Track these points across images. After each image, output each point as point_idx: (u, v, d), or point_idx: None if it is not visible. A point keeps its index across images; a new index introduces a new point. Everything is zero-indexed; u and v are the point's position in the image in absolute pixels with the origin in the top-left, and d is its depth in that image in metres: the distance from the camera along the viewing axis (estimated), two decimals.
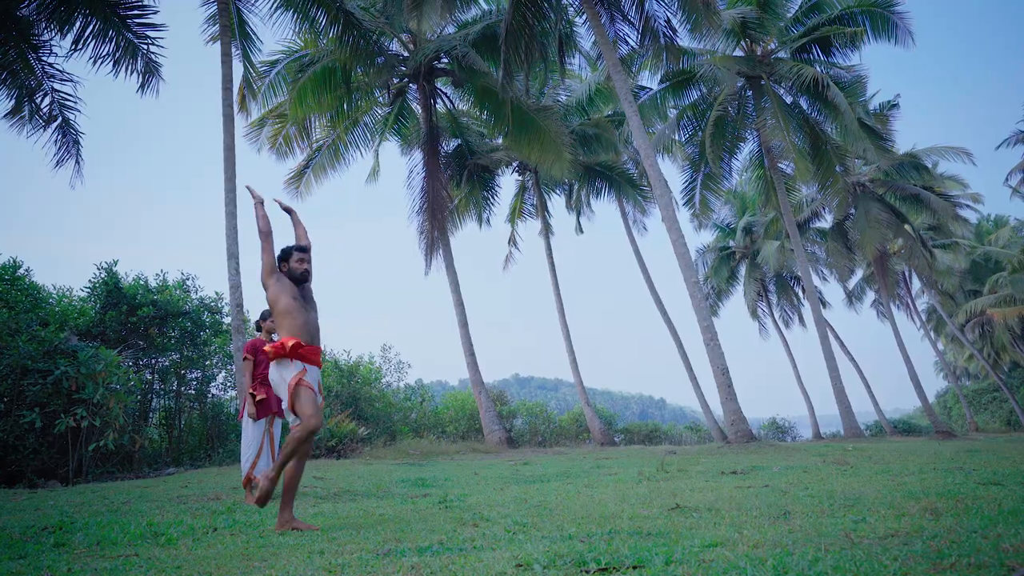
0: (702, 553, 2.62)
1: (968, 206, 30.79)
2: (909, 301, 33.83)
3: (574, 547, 2.95)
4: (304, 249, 4.83)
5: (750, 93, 19.97)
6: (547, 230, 22.94)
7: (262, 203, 4.81)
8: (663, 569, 2.39)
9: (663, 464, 8.56)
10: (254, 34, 15.21)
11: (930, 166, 26.65)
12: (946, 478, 5.48)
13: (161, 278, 14.25)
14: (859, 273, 33.14)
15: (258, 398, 6.41)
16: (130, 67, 13.56)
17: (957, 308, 35.38)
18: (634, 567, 2.45)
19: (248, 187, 5.11)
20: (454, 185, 21.11)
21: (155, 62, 13.74)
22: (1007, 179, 39.43)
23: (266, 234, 4.66)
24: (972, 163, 25.34)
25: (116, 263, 13.44)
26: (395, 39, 18.19)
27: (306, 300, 4.73)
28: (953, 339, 41.38)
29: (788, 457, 9.41)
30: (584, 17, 15.46)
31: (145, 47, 13.49)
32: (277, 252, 4.73)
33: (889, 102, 23.09)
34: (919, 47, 18.64)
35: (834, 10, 18.52)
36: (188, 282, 14.44)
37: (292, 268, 4.72)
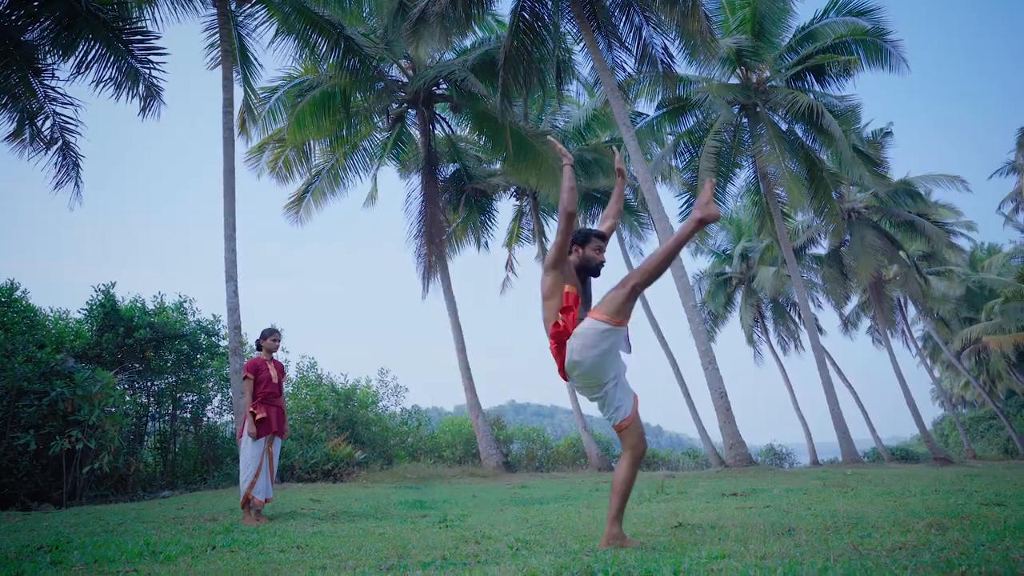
0: (710, 564, 2.60)
1: (962, 234, 31.04)
2: (905, 328, 33.89)
3: (580, 560, 2.93)
4: (605, 237, 3.99)
5: (746, 120, 20.19)
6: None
7: (572, 164, 3.85)
8: None
9: (663, 486, 8.50)
10: (255, 60, 15.39)
11: (924, 194, 26.89)
12: (948, 499, 5.46)
13: (159, 300, 14.22)
14: (855, 299, 33.23)
15: (258, 417, 6.38)
16: (132, 91, 13.67)
17: (953, 335, 35.44)
18: None
19: (550, 138, 4.39)
20: (452, 209, 21.21)
21: (156, 86, 13.85)
22: (1000, 207, 39.81)
23: (571, 214, 3.64)
24: (967, 190, 25.59)
25: (113, 285, 13.42)
26: (394, 65, 18.39)
27: (586, 300, 3.86)
28: (949, 366, 41.41)
29: (788, 480, 9.37)
30: (582, 44, 15.65)
31: (147, 71, 13.60)
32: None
33: (882, 130, 23.34)
34: (913, 75, 18.90)
35: (828, 39, 18.78)
36: (185, 304, 14.40)
37: (588, 257, 3.85)
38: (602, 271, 3.93)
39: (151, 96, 13.79)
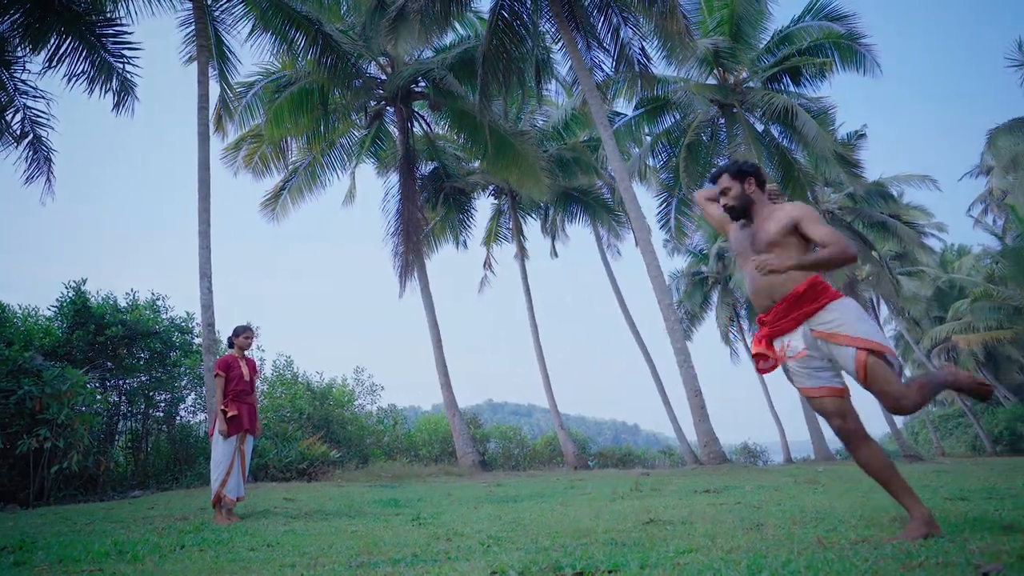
0: (677, 558, 2.63)
1: (933, 235, 31.55)
2: (878, 327, 34.35)
3: (549, 555, 2.94)
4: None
5: (723, 120, 20.35)
6: (522, 254, 23.02)
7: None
8: (638, 572, 2.39)
9: (637, 484, 8.55)
10: (232, 55, 15.20)
11: (896, 195, 27.29)
12: None
13: (131, 298, 14.02)
14: None
15: (229, 415, 6.32)
16: (105, 85, 13.50)
17: (923, 334, 36.02)
18: (609, 571, 2.45)
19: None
20: (430, 208, 21.17)
21: (131, 81, 13.68)
22: (969, 210, 40.51)
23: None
24: (937, 189, 26.02)
25: (84, 282, 13.22)
26: (373, 62, 18.30)
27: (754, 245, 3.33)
28: (920, 365, 42.03)
29: (760, 477, 9.46)
30: (561, 43, 15.70)
31: (121, 66, 13.44)
32: None
33: (857, 132, 23.63)
34: (885, 78, 19.18)
35: (803, 42, 19.00)
36: (159, 302, 14.22)
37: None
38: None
39: (125, 91, 13.63)
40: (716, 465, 12.15)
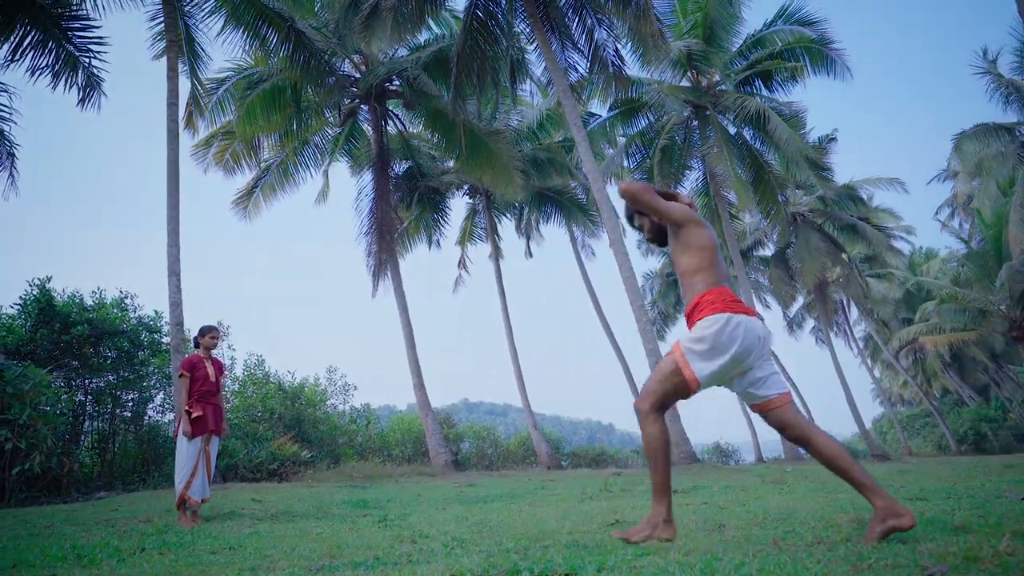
0: (635, 561, 2.64)
1: (902, 238, 32.11)
2: (847, 328, 34.87)
3: (509, 559, 2.94)
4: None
5: (696, 123, 20.52)
6: (497, 253, 23.03)
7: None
8: (594, 575, 2.40)
9: (607, 484, 8.59)
10: (203, 51, 15.01)
11: (866, 198, 27.72)
12: None
13: (98, 296, 13.80)
14: (800, 300, 34.07)
15: (194, 415, 6.25)
16: (71, 80, 13.27)
17: (892, 335, 36.62)
18: (566, 574, 2.46)
19: None
20: (404, 207, 21.09)
21: (97, 76, 13.47)
22: (936, 213, 41.23)
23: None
24: (905, 191, 26.44)
25: (50, 279, 12.97)
26: (346, 60, 18.18)
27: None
28: (888, 366, 42.79)
29: (729, 477, 9.55)
30: (535, 44, 15.73)
31: (87, 60, 13.23)
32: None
33: (827, 136, 23.96)
34: (856, 83, 19.46)
35: (775, 46, 19.23)
36: (126, 300, 14.00)
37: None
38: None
39: (91, 86, 13.42)
40: (686, 465, 12.25)
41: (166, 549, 4.38)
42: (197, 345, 6.67)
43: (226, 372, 6.88)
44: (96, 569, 3.65)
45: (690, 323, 3.29)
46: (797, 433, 3.08)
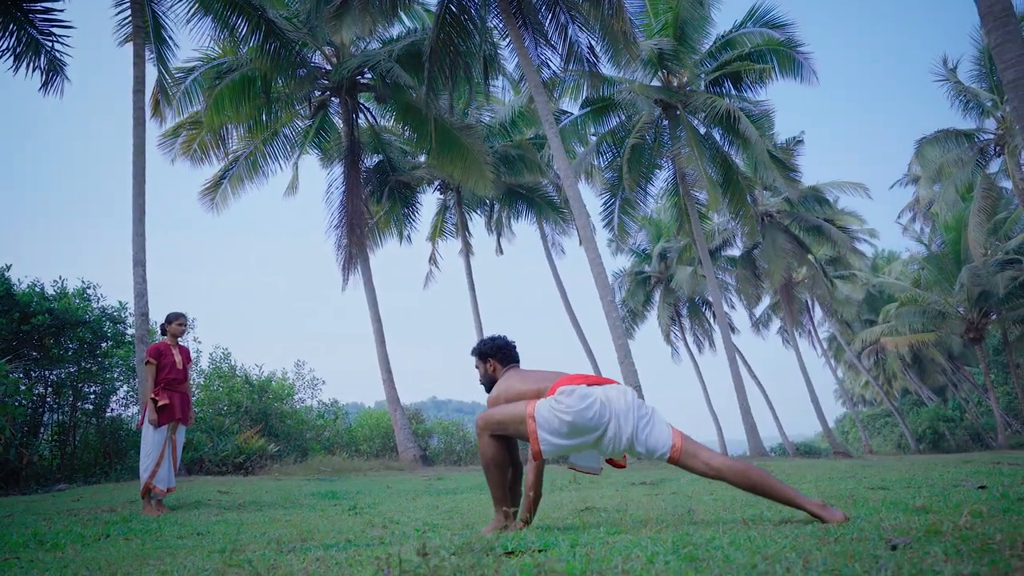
0: (607, 539, 2.68)
1: (865, 240, 32.78)
2: (812, 329, 35.48)
3: (482, 539, 2.96)
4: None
5: (666, 122, 20.71)
6: (467, 250, 23.01)
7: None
8: (569, 551, 2.43)
9: (576, 476, 8.64)
10: (170, 39, 14.71)
11: (832, 201, 28.23)
12: (839, 484, 5.75)
13: (60, 285, 13.49)
14: (766, 300, 34.58)
15: (160, 403, 6.15)
16: (33, 64, 12.96)
17: (854, 336, 37.36)
18: (540, 551, 2.48)
19: None
20: (375, 201, 20.94)
21: (60, 60, 13.17)
22: (898, 217, 42.14)
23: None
24: (868, 196, 26.99)
25: (9, 268, 12.65)
26: (318, 51, 18.00)
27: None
28: (851, 366, 43.65)
29: None
30: (508, 40, 15.74)
31: (50, 44, 12.93)
32: None
33: (794, 138, 24.36)
34: (823, 87, 19.80)
35: (745, 48, 19.48)
36: (89, 290, 13.70)
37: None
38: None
39: (54, 70, 13.12)
40: (654, 461, 12.35)
41: (132, 535, 4.32)
42: (164, 332, 6.56)
43: (192, 360, 6.76)
44: (60, 553, 3.59)
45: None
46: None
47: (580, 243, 14.24)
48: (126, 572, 2.76)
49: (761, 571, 1.80)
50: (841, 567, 1.80)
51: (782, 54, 18.97)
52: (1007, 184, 25.97)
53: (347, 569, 2.37)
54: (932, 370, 38.48)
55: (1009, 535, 2.12)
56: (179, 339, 6.60)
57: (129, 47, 13.24)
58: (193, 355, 16.05)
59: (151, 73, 13.80)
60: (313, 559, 2.72)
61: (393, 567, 2.30)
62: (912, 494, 4.56)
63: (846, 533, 2.42)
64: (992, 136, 23.89)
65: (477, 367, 3.95)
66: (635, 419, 3.25)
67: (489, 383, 3.85)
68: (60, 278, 13.56)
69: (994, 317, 27.93)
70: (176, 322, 6.51)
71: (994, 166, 24.60)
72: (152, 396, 6.19)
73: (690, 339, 33.23)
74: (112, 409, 14.10)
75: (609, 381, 3.46)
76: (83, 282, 13.76)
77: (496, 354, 3.87)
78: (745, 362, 30.43)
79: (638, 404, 3.32)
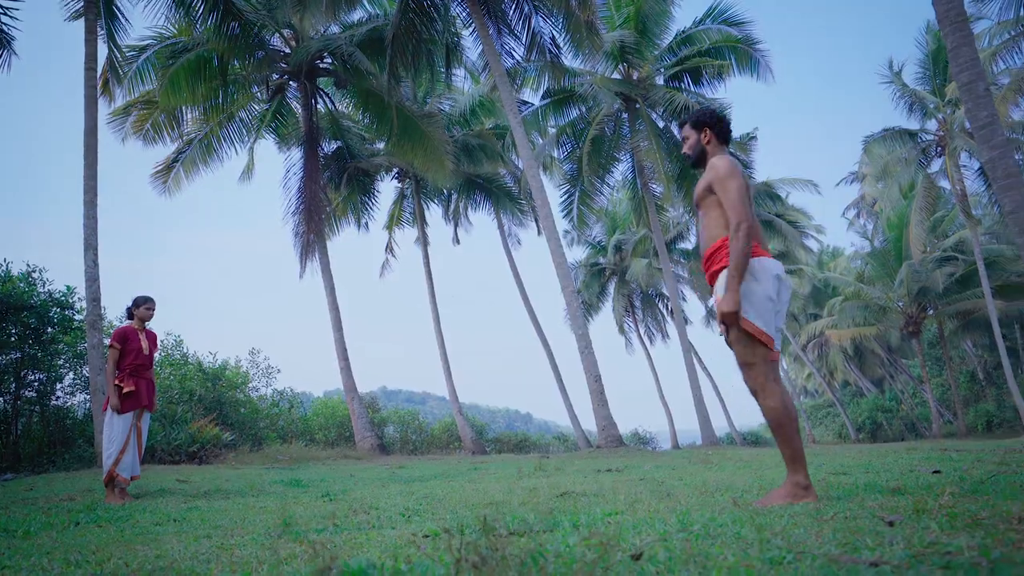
0: (607, 518, 2.73)
1: (812, 236, 33.68)
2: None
3: (478, 520, 2.98)
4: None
5: (626, 115, 20.90)
6: (424, 239, 22.90)
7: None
8: (572, 531, 2.47)
9: (540, 464, 8.73)
10: (122, 15, 14.21)
11: (783, 197, 28.91)
12: None
13: (3, 269, 12.98)
14: None
15: (125, 390, 5.99)
16: None
17: (800, 329, 38.41)
18: (545, 531, 2.52)
19: None
20: (333, 188, 20.67)
21: (8, 34, 12.62)
22: (844, 212, 43.38)
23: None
24: (818, 193, 27.73)
25: None
26: (277, 34, 17.62)
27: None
28: (796, 358, 44.88)
29: (656, 459, 9.86)
30: (472, 28, 15.68)
31: None
32: None
33: (748, 134, 24.81)
34: (777, 84, 20.23)
35: (704, 44, 19.77)
36: (35, 274, 13.21)
37: None
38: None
39: (1, 44, 12.56)
40: (613, 448, 12.55)
41: (103, 523, 4.22)
42: (130, 316, 6.38)
43: (158, 345, 6.59)
44: (37, 540, 3.49)
45: (714, 265, 3.30)
46: None
47: (540, 233, 14.35)
48: (119, 556, 2.71)
49: (777, 544, 1.87)
50: (852, 540, 1.89)
51: (740, 51, 19.32)
52: (946, 184, 26.96)
53: (406, 546, 2.37)
54: (872, 362, 39.85)
55: (996, 511, 2.24)
56: (146, 323, 6.44)
57: (82, 23, 12.74)
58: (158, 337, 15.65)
59: (103, 51, 13.33)
60: (310, 542, 2.71)
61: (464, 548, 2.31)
62: (874, 478, 4.75)
63: (838, 512, 2.52)
64: (934, 137, 24.76)
65: (686, 138, 3.55)
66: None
67: (699, 156, 3.51)
68: (4, 260, 13.05)
69: (931, 312, 29.04)
70: (144, 306, 6.34)
71: (935, 166, 25.51)
72: (116, 383, 6.02)
73: (643, 330, 33.71)
74: (58, 397, 13.67)
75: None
76: (28, 265, 13.26)
77: (716, 125, 3.48)
78: (696, 353, 31.03)
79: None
